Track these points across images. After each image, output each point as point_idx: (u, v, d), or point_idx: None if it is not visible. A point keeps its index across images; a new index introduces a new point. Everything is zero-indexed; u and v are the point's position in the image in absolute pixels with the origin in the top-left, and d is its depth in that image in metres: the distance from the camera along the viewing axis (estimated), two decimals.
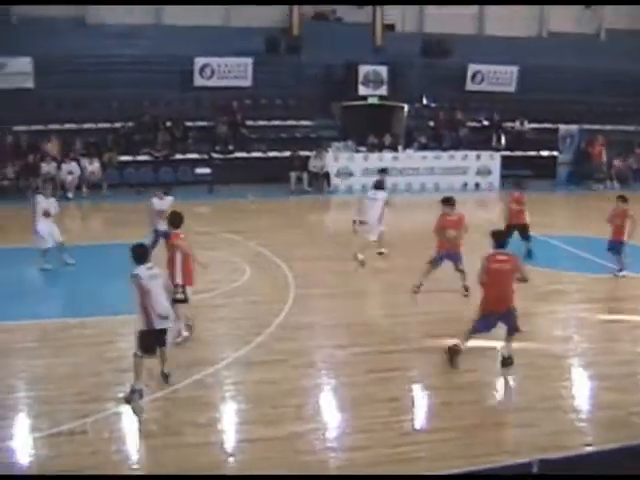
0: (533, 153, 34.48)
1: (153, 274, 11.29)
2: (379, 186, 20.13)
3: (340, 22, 37.98)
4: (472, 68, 36.50)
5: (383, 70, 34.01)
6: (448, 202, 16.67)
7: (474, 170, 32.19)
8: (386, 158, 30.96)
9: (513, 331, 12.73)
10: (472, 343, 12.96)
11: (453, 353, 12.78)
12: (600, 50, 40.03)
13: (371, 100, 33.90)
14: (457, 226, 16.50)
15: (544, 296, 16.94)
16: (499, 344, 13.02)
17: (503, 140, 34.65)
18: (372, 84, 33.97)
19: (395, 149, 32.47)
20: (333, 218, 28.29)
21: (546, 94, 36.43)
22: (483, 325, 12.71)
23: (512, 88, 37.04)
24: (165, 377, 11.73)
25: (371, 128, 33.38)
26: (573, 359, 13.73)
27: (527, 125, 35.81)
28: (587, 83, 37.31)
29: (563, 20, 41.56)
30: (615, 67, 37.51)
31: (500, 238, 13.04)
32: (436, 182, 31.52)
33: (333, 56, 33.83)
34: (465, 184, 31.97)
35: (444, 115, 35.06)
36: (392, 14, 38.16)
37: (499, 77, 37.01)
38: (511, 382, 12.71)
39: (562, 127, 35.45)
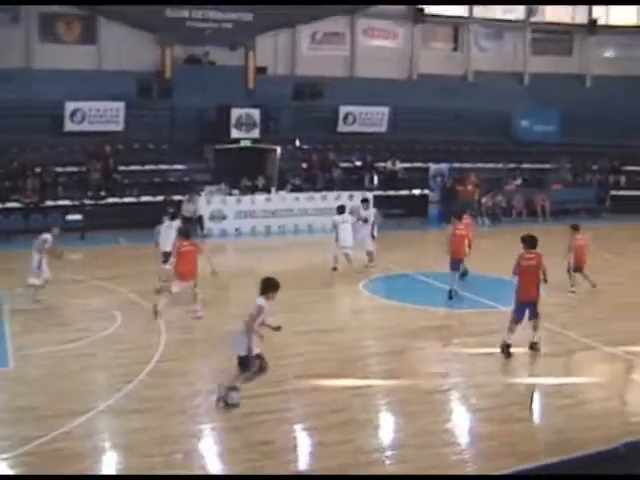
0: (405, 192, 35.14)
1: None
2: (342, 211, 23.32)
3: (213, 65, 38.04)
4: (343, 110, 37.05)
5: (256, 113, 34.18)
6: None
7: (347, 210, 32.42)
8: (259, 200, 31.08)
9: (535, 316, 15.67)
10: (347, 382, 13.13)
11: (506, 348, 15.46)
12: (468, 91, 41.32)
13: (244, 143, 34.02)
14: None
15: (415, 333, 17.22)
16: (374, 382, 13.17)
17: (375, 180, 35.19)
18: (245, 127, 34.09)
19: (268, 191, 32.56)
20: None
21: (417, 134, 37.35)
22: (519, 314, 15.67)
23: (383, 129, 37.72)
24: None
25: (244, 171, 33.43)
26: (445, 394, 13.85)
27: (399, 165, 36.46)
28: (456, 123, 38.42)
29: (432, 62, 42.76)
30: (482, 107, 38.78)
31: (530, 241, 15.81)
32: (310, 223, 31.64)
33: (206, 99, 33.90)
34: None
35: (317, 156, 35.42)
36: (264, 57, 38.48)
37: (370, 118, 37.64)
38: (384, 420, 12.86)
39: (432, 166, 36.27)
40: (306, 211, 31.90)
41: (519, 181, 37.72)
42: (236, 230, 30.11)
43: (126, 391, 13.44)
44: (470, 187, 35.00)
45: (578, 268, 21.28)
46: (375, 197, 32.72)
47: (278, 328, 12.96)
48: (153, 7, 35.73)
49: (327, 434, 11.82)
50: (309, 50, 40.63)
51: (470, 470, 10.77)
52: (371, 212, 24.82)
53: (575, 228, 21.82)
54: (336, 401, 12.97)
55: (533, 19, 45.44)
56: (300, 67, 39.99)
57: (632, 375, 15.60)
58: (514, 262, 15.76)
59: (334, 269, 23.36)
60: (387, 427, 12.70)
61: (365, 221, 24.22)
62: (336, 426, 12.09)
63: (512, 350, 15.75)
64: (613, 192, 38.62)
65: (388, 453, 11.46)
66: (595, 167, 40.17)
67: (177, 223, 21.29)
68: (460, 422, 12.96)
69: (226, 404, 12.65)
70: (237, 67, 37.18)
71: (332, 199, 32.13)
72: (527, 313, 15.68)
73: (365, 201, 26.20)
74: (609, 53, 47.31)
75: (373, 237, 24.29)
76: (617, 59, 46.70)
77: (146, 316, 18.19)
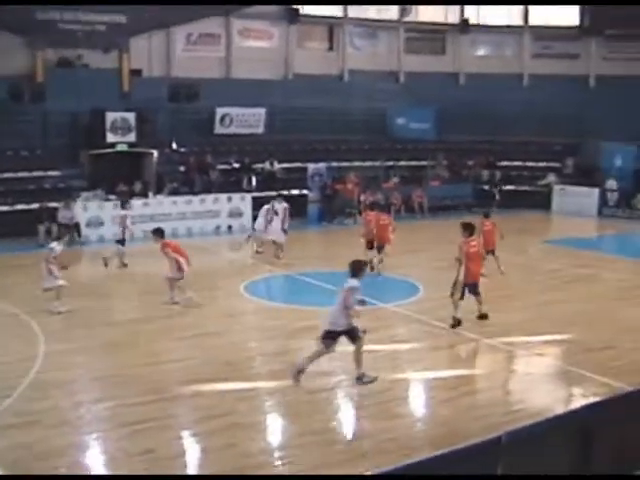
0: (284, 192, 35.03)
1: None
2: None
3: (86, 68, 37.20)
4: (220, 111, 36.77)
5: (131, 116, 33.61)
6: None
7: (226, 213, 32.33)
8: (136, 205, 30.52)
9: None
10: (230, 385, 13.18)
11: (457, 323, 17.28)
12: (344, 90, 41.63)
13: (120, 147, 33.42)
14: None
15: (297, 333, 17.25)
16: (257, 384, 13.20)
17: (254, 181, 35.06)
18: (120, 131, 33.49)
19: (146, 195, 32.10)
20: (86, 270, 27.29)
21: (294, 134, 37.40)
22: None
23: (260, 130, 37.60)
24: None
25: (121, 176, 32.86)
26: (329, 393, 13.87)
27: (277, 165, 36.42)
28: (333, 122, 38.65)
29: (308, 62, 42.86)
30: (358, 106, 39.15)
31: (472, 229, 17.93)
32: (189, 227, 31.33)
33: (80, 103, 33.07)
34: (218, 227, 32.03)
35: (194, 159, 35.09)
36: (138, 59, 37.96)
37: (247, 119, 37.46)
38: (269, 421, 12.80)
39: (311, 166, 36.41)
40: (184, 215, 31.50)
41: (397, 178, 38.15)
42: (114, 236, 29.54)
43: (5, 406, 12.99)
44: (350, 186, 35.23)
45: (488, 251, 22.26)
46: (254, 198, 32.67)
47: (363, 302, 14.41)
48: (22, 9, 34.73)
49: (211, 439, 11.70)
50: (184, 52, 40.23)
51: (356, 467, 10.78)
52: (282, 207, 26.24)
53: (485, 215, 23.85)
54: (219, 405, 12.86)
55: (406, 19, 46.01)
56: (175, 69, 39.55)
57: (512, 365, 15.95)
58: (458, 249, 17.49)
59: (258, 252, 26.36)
60: (272, 429, 12.65)
61: (276, 214, 26.00)
62: (220, 431, 11.97)
63: (397, 346, 16.38)
64: (486, 187, 39.41)
65: (275, 455, 11.42)
66: (471, 163, 40.95)
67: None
68: (345, 420, 13.02)
69: (362, 381, 13.95)
70: (111, 70, 36.54)
71: (210, 202, 31.96)
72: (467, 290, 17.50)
73: (279, 196, 27.63)
74: (481, 51, 48.33)
75: (284, 231, 26.11)
76: (489, 57, 47.77)
77: (23, 327, 17.70)
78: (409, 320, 18.47)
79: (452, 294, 17.51)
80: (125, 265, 24.54)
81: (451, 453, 7.43)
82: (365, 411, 13.07)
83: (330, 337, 13.86)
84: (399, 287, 22.19)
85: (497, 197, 38.50)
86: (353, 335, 13.93)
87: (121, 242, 24.51)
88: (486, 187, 39.36)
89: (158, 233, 20.10)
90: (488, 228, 23.15)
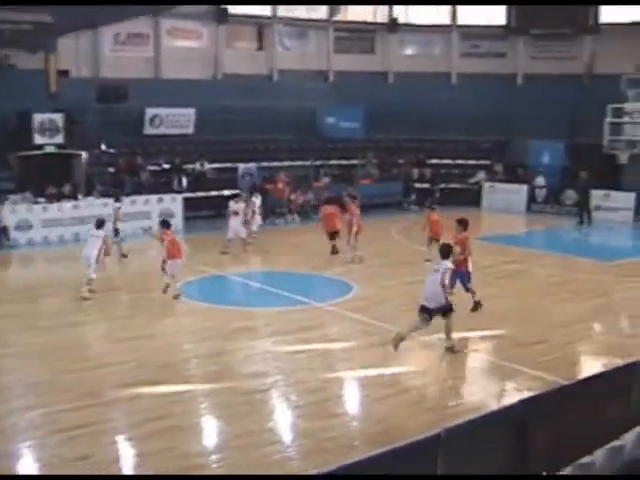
0: (215, 193, 34.87)
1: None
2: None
3: (12, 68, 36.62)
4: (150, 112, 36.41)
5: (59, 118, 33.09)
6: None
7: (157, 214, 31.94)
8: (66, 208, 30.10)
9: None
10: (166, 388, 13.17)
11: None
12: (273, 90, 41.61)
13: (48, 149, 32.90)
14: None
15: (232, 334, 17.18)
16: (193, 386, 13.22)
17: (184, 182, 34.84)
18: (48, 132, 32.96)
19: (75, 197, 31.65)
20: (16, 274, 26.89)
21: (224, 134, 37.23)
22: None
23: (190, 130, 37.33)
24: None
25: (49, 178, 32.32)
26: (265, 393, 13.86)
27: (207, 166, 36.25)
28: (263, 122, 38.49)
29: (237, 62, 42.79)
30: (288, 106, 39.08)
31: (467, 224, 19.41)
32: (120, 228, 30.80)
33: (6, 105, 32.48)
34: (149, 228, 31.60)
35: (124, 160, 34.72)
36: (66, 59, 37.45)
37: (177, 120, 37.16)
38: (206, 423, 12.77)
39: (241, 166, 36.33)
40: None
41: (327, 178, 38.20)
42: (44, 239, 29.12)
43: None
44: (281, 185, 35.17)
45: (434, 240, 23.72)
46: (185, 199, 32.47)
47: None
48: None
49: (149, 443, 11.62)
50: (112, 52, 39.85)
51: (295, 467, 10.83)
52: (240, 206, 27.53)
53: (431, 208, 26.22)
54: (156, 408, 12.77)
55: (336, 18, 46.18)
56: (104, 69, 39.14)
57: (447, 362, 16.10)
58: (468, 243, 19.02)
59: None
60: (209, 430, 12.61)
61: (235, 214, 27.12)
62: (158, 434, 11.88)
63: (332, 345, 16.53)
64: (418, 185, 39.70)
65: (212, 457, 11.38)
66: (401, 161, 41.20)
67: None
68: (282, 420, 13.03)
69: (452, 351, 15.83)
70: (38, 71, 35.97)
71: (141, 203, 31.58)
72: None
73: (236, 195, 28.77)
74: (410, 51, 48.69)
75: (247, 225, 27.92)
76: (417, 56, 48.13)
77: None
78: (343, 319, 18.55)
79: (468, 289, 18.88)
80: (125, 256, 25.77)
81: (391, 451, 7.47)
82: (302, 411, 13.09)
83: (427, 312, 15.54)
84: (333, 286, 22.25)
85: (437, 195, 38.71)
86: (446, 311, 15.72)
87: (116, 233, 25.56)
88: (427, 185, 39.50)
89: (164, 224, 21.69)
90: (435, 219, 24.92)
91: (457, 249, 18.09)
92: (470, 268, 18.86)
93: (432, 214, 25.50)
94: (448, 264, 15.90)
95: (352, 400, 14.22)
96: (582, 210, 34.74)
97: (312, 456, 11.12)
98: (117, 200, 27.47)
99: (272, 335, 17.33)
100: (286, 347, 16.41)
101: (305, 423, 12.56)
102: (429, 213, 25.82)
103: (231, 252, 26.52)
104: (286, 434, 12.40)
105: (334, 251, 25.73)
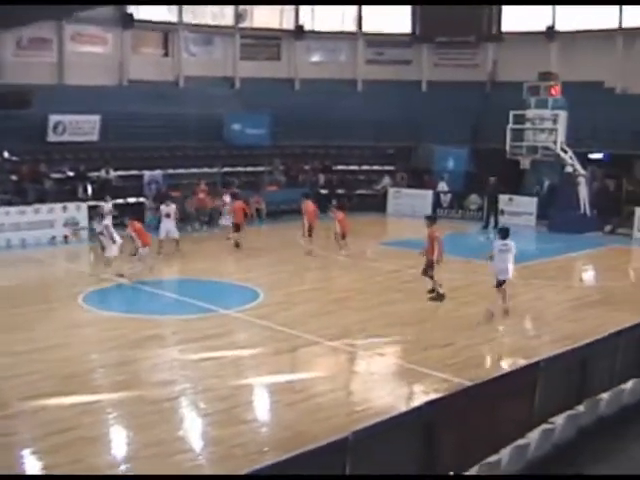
0: (121, 200, 34.49)
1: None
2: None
3: None
4: (53, 119, 35.78)
5: None
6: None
7: (61, 222, 31.41)
8: None
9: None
10: (73, 399, 13.05)
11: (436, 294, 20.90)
12: (179, 96, 41.35)
13: None
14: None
15: (139, 343, 17.02)
16: (101, 397, 13.14)
17: (89, 190, 34.35)
18: None
19: None
20: None
21: (129, 141, 36.78)
22: None
23: (95, 137, 36.79)
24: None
25: None
26: (174, 402, 13.79)
27: (113, 173, 35.77)
28: (169, 128, 38.24)
29: (142, 68, 42.37)
30: (194, 112, 38.82)
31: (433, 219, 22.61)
32: (22, 238, 29.77)
33: None
34: (53, 237, 31.04)
35: (27, 168, 34.01)
36: None
37: (81, 127, 36.58)
38: (114, 434, 12.65)
39: (147, 173, 36.03)
40: (18, 225, 30.27)
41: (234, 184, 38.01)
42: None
43: None
44: (202, 195, 34.73)
45: (343, 235, 27.20)
46: (90, 207, 31.95)
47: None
48: None
49: (56, 456, 11.41)
50: (14, 57, 39.03)
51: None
52: (172, 208, 28.50)
53: (340, 208, 28.68)
54: (63, 420, 12.58)
55: (242, 25, 46.13)
56: (5, 75, 38.35)
57: (354, 366, 16.29)
58: (437, 235, 21.03)
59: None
60: (118, 441, 12.48)
61: (167, 216, 28.13)
62: (65, 446, 11.69)
63: (240, 352, 16.59)
64: (324, 191, 39.83)
65: (122, 468, 11.28)
66: (307, 167, 41.35)
67: None
68: (191, 428, 13.00)
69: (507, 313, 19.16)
70: None
71: (45, 212, 30.96)
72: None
73: (168, 198, 30.35)
74: (316, 57, 48.90)
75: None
76: (324, 63, 48.36)
77: None
78: (250, 325, 18.58)
79: (425, 272, 21.05)
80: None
81: (299, 455, 7.52)
82: (211, 418, 13.08)
83: (504, 283, 19.15)
84: (239, 293, 22.23)
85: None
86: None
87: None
88: (340, 191, 39.69)
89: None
90: (340, 217, 27.50)
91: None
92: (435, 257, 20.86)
93: (338, 213, 27.75)
94: (513, 243, 19.45)
95: (261, 406, 14.27)
96: (489, 214, 35.45)
97: (222, 463, 11.12)
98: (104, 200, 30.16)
99: (180, 343, 17.24)
100: (194, 355, 16.36)
101: (215, 430, 12.57)
102: (335, 212, 27.86)
103: (164, 252, 27.07)
104: (196, 442, 12.37)
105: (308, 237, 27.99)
